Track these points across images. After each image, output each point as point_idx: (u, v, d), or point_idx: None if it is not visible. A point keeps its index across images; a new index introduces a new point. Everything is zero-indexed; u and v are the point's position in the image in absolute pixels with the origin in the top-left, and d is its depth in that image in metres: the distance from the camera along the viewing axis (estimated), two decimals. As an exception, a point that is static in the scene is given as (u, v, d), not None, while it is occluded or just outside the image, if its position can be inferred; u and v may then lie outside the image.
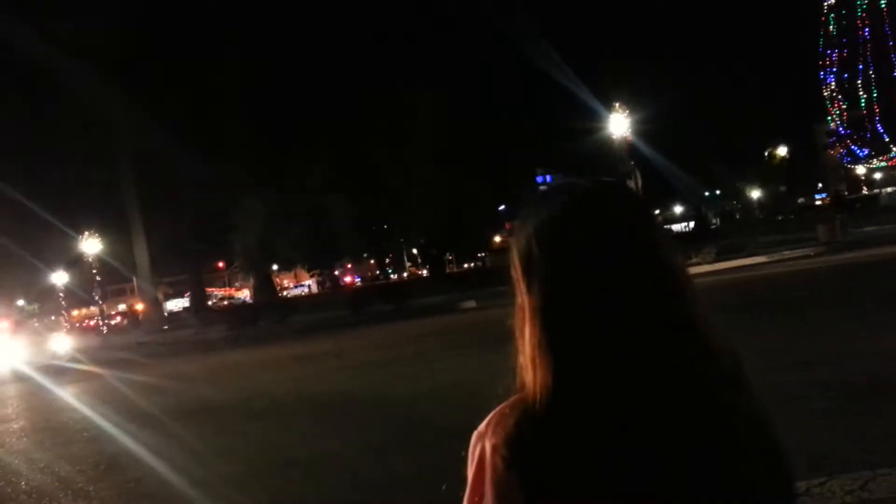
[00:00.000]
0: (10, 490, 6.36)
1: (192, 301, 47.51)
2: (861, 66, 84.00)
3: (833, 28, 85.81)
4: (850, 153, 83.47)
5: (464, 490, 0.83)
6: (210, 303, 53.43)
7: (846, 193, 70.58)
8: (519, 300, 0.85)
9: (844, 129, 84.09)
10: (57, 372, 17.88)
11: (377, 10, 61.09)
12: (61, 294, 45.71)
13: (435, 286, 37.13)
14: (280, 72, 40.09)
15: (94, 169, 33.15)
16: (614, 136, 29.18)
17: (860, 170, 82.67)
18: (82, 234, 36.27)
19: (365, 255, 63.85)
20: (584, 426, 0.76)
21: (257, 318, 31.58)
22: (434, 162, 40.79)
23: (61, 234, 34.88)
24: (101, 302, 39.89)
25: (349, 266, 70.85)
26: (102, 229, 36.53)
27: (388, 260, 67.62)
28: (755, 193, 68.97)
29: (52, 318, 53.36)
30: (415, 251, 65.17)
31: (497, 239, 60.46)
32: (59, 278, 44.02)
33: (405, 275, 66.55)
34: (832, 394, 5.76)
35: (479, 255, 63.31)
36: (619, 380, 0.77)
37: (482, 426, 0.84)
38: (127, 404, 10.74)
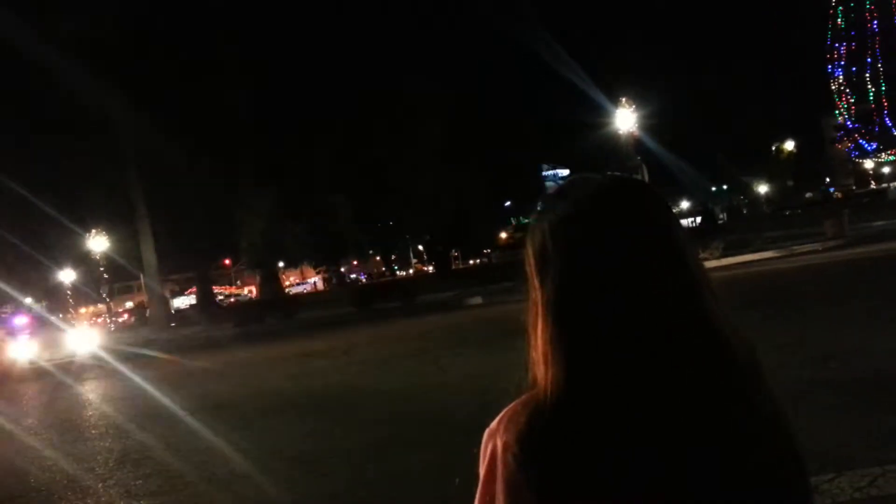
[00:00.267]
0: (20, 486, 6.40)
1: (198, 298, 47.69)
2: (869, 60, 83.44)
3: (841, 21, 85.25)
4: (858, 147, 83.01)
5: (476, 487, 0.83)
6: (218, 299, 53.63)
7: (853, 187, 70.25)
8: (532, 296, 0.85)
9: (852, 122, 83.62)
10: (77, 368, 17.97)
11: (377, 11, 61.19)
12: (69, 292, 45.96)
13: (441, 283, 37.19)
14: (279, 72, 40.17)
15: (102, 167, 33.27)
16: (621, 131, 29.12)
17: (868, 164, 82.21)
18: (89, 231, 36.46)
19: (371, 251, 63.96)
20: (585, 425, 0.76)
21: (264, 315, 31.69)
22: (438, 159, 40.75)
23: (69, 232, 35.06)
24: (108, 299, 40.10)
25: (355, 263, 70.99)
26: (110, 227, 36.71)
27: (393, 257, 67.73)
28: (762, 188, 68.72)
29: (60, 315, 53.63)
30: (420, 248, 65.21)
31: (503, 235, 60.49)
32: (67, 276, 44.25)
33: (411, 271, 66.68)
34: (841, 390, 5.73)
35: (484, 251, 63.33)
36: (619, 379, 0.77)
37: (494, 423, 0.83)
38: (135, 401, 10.79)
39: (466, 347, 11.77)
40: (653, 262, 0.80)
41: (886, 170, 78.93)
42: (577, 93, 40.49)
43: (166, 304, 43.60)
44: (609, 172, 0.87)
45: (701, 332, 0.80)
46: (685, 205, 76.62)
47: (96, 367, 17.59)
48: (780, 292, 13.79)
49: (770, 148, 67.81)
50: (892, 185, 67.56)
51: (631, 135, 28.82)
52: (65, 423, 9.62)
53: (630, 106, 28.82)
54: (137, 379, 13.35)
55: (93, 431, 8.92)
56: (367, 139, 41.06)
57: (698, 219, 66.02)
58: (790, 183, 69.75)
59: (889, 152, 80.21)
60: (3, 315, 28.07)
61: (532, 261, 0.85)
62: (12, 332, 21.56)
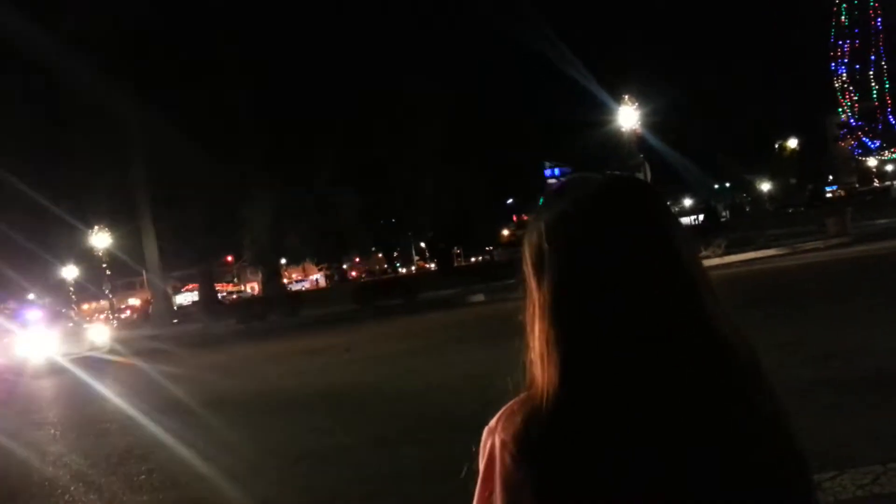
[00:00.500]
0: (23, 481, 6.43)
1: (201, 295, 47.74)
2: (873, 57, 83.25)
3: (845, 19, 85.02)
4: (862, 145, 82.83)
5: (475, 483, 0.84)
6: (220, 296, 53.70)
7: (857, 185, 70.07)
8: (529, 295, 0.85)
9: (856, 120, 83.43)
10: (84, 363, 17.99)
11: (377, 11, 61.12)
12: (71, 288, 46.03)
13: (443, 280, 37.21)
14: (280, 72, 40.22)
15: (105, 164, 33.33)
16: (623, 129, 29.02)
17: (871, 162, 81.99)
18: (92, 228, 36.51)
19: (373, 248, 63.96)
20: (585, 425, 0.76)
21: (266, 312, 31.75)
22: (439, 159, 40.71)
23: (71, 229, 35.10)
24: (110, 296, 40.17)
25: (357, 260, 70.99)
26: (112, 224, 36.76)
27: (396, 254, 67.72)
28: (765, 186, 68.58)
29: (62, 310, 53.70)
30: (423, 245, 65.20)
31: (505, 233, 60.42)
32: (70, 272, 44.30)
33: (413, 268, 66.68)
34: (843, 389, 5.73)
35: (487, 248, 63.29)
36: (620, 379, 0.77)
37: (493, 421, 0.84)
38: (140, 396, 10.81)
39: (468, 345, 11.77)
40: (653, 261, 0.79)
41: (890, 167, 78.70)
42: (577, 91, 40.37)
43: (169, 300, 43.66)
44: (608, 171, 0.86)
45: (701, 332, 0.79)
46: (688, 202, 76.36)
47: (99, 364, 17.63)
48: (783, 290, 13.77)
49: (773, 146, 67.59)
50: (895, 182, 67.38)
51: (633, 132, 28.71)
52: (81, 419, 9.65)
53: (633, 103, 28.68)
54: (153, 373, 13.37)
55: (97, 427, 8.93)
56: (367, 139, 41.03)
57: (701, 216, 65.87)
58: (793, 181, 69.51)
59: (892, 150, 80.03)
60: (15, 309, 28.01)
61: (530, 260, 0.84)
62: (25, 327, 21.47)
